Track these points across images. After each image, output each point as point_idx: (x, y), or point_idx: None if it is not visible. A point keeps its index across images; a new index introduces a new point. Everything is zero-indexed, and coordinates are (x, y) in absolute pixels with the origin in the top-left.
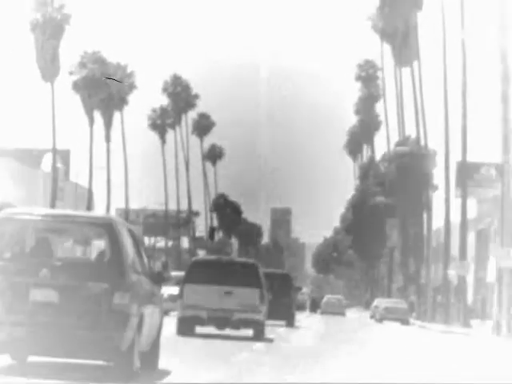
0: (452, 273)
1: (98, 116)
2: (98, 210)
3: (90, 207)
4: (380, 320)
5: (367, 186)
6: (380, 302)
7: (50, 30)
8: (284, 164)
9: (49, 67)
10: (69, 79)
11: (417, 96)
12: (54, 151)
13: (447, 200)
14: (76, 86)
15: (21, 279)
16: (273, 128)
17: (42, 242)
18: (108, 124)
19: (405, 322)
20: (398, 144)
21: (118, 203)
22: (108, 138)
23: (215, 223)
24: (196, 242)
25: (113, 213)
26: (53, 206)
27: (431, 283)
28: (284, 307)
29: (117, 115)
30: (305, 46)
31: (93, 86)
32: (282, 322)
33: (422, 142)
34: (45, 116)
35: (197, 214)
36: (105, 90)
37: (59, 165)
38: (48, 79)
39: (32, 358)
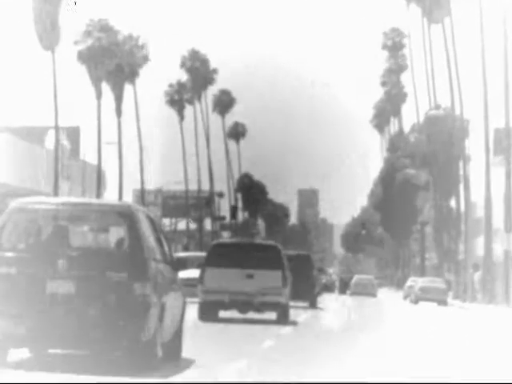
0: (497, 247)
1: (107, 89)
2: (110, 191)
3: (99, 187)
4: (415, 301)
5: (396, 159)
6: (415, 282)
7: None
8: (308, 142)
9: (49, 34)
10: (74, 49)
11: (449, 57)
12: (57, 127)
13: (487, 169)
14: (81, 57)
15: (36, 271)
16: (296, 106)
17: (58, 232)
18: (118, 97)
19: (442, 302)
20: (428, 114)
21: (131, 183)
22: (119, 113)
23: (240, 204)
24: (218, 222)
25: (128, 193)
26: (56, 186)
27: (471, 260)
28: (306, 288)
29: (128, 89)
30: (327, 19)
31: (100, 56)
32: (305, 304)
33: (455, 111)
34: (49, 91)
35: (221, 194)
36: (113, 60)
37: (64, 142)
38: (48, 47)
39: (51, 351)
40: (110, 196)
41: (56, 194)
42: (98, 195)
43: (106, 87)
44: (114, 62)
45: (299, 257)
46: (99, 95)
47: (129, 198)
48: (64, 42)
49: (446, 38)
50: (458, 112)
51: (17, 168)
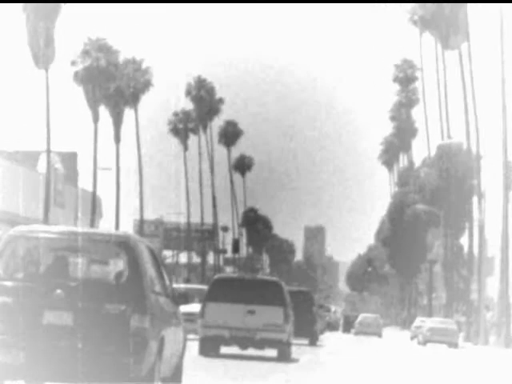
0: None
1: (106, 114)
2: (107, 219)
3: (94, 214)
4: (424, 342)
5: (406, 194)
6: (423, 322)
7: (43, 11)
8: (316, 178)
9: (43, 51)
10: (71, 70)
11: (466, 87)
12: (48, 150)
13: (505, 205)
14: (78, 78)
15: (34, 301)
16: (305, 141)
17: (57, 262)
18: (117, 122)
19: (453, 345)
20: (441, 147)
21: (129, 212)
22: (117, 138)
23: (244, 239)
24: (220, 255)
25: (126, 223)
26: (46, 211)
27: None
28: (306, 325)
29: (129, 114)
30: (338, 49)
31: (97, 78)
32: (305, 341)
33: (466, 146)
34: (43, 112)
35: (226, 229)
36: (112, 83)
37: (58, 166)
38: (42, 65)
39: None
40: (106, 224)
41: (46, 220)
42: (92, 223)
43: (105, 111)
44: (113, 85)
45: (299, 293)
46: (96, 119)
47: (126, 227)
48: (62, 62)
49: (462, 65)
50: (471, 145)
51: (5, 192)
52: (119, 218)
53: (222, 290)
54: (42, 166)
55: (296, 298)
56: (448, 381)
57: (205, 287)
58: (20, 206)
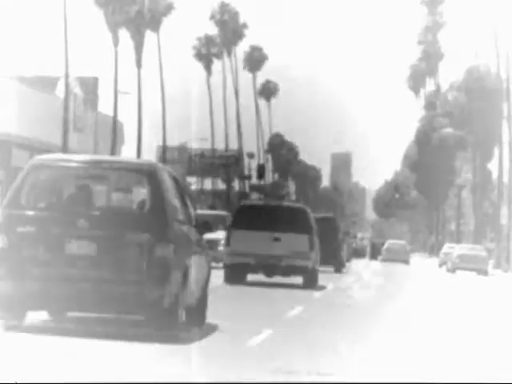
0: None
1: (127, 38)
2: (129, 146)
3: (115, 140)
4: (452, 269)
5: (433, 117)
6: (452, 248)
7: None
8: (342, 103)
9: None
10: None
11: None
12: (66, 74)
13: None
14: (99, 1)
15: (56, 230)
16: (331, 65)
17: (80, 191)
18: (139, 47)
19: (483, 272)
20: (468, 72)
21: (152, 139)
22: (139, 63)
23: (270, 165)
24: (245, 181)
25: (149, 149)
26: (65, 137)
27: None
28: (331, 252)
29: (151, 38)
30: None
31: (118, 0)
32: (330, 268)
33: (496, 68)
34: (70, 39)
35: (252, 155)
36: (133, 6)
37: (77, 90)
38: None
39: (71, 314)
40: (128, 151)
41: (65, 146)
42: (113, 149)
43: (126, 35)
44: (134, 8)
45: (324, 220)
46: (116, 43)
47: (150, 154)
48: None
49: None
50: (500, 68)
51: (24, 117)
52: (141, 144)
53: (247, 218)
54: (60, 90)
55: (321, 225)
56: (481, 309)
57: (227, 213)
58: (38, 131)
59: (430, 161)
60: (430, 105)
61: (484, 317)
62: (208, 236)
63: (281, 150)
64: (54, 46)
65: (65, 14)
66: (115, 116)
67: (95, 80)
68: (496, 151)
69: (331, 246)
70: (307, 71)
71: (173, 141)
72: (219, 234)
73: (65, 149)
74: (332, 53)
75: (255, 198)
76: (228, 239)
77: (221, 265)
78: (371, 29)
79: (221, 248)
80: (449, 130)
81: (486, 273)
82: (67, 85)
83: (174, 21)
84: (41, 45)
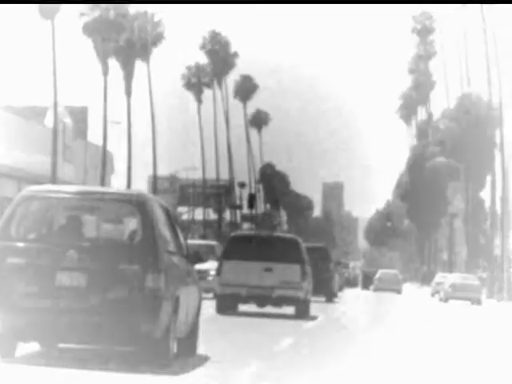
0: None
1: (116, 67)
2: (119, 176)
3: (104, 169)
4: (445, 299)
5: (425, 147)
6: (445, 278)
7: None
8: (334, 132)
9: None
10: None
11: (487, 37)
12: (55, 103)
13: None
14: (87, 30)
15: (46, 261)
16: (322, 96)
17: (70, 222)
18: (128, 76)
19: (476, 301)
20: (460, 100)
21: (142, 168)
22: (129, 92)
23: (262, 195)
24: (236, 211)
25: (139, 179)
26: (54, 167)
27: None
28: (323, 282)
29: (141, 68)
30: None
31: (107, 30)
32: (322, 299)
33: (487, 96)
34: (59, 69)
35: (243, 185)
36: (122, 35)
37: (67, 120)
38: (48, 16)
39: (62, 346)
40: (117, 180)
41: (54, 175)
42: (103, 179)
43: (115, 65)
44: (123, 37)
45: (316, 249)
46: (106, 72)
47: (140, 183)
48: (71, 15)
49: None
50: (492, 95)
51: (13, 147)
52: (131, 173)
53: (238, 248)
54: (49, 120)
55: (312, 255)
56: (474, 339)
57: (216, 243)
58: (27, 161)
59: (422, 190)
60: (421, 133)
61: (478, 347)
62: (198, 266)
63: (272, 180)
64: (43, 75)
65: (53, 43)
66: (105, 146)
67: (84, 109)
68: (488, 180)
69: (323, 276)
70: (298, 100)
71: (163, 170)
72: (209, 264)
73: (54, 179)
74: (323, 82)
75: (247, 228)
76: (219, 269)
77: (211, 295)
78: (363, 58)
79: (211, 278)
80: (441, 159)
81: (479, 302)
82: (56, 114)
83: (164, 50)
84: (30, 75)
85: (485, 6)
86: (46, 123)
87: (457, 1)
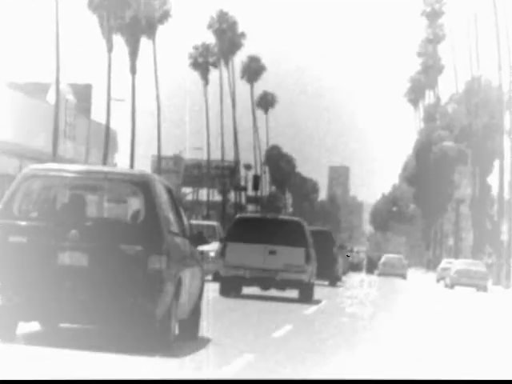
0: None
1: (121, 44)
2: (123, 155)
3: (107, 148)
4: (451, 285)
5: (433, 130)
6: (450, 264)
7: None
8: (341, 115)
9: None
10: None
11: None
12: (57, 79)
13: None
14: (92, 5)
15: (48, 240)
16: (330, 77)
17: (72, 201)
18: (133, 53)
19: (482, 288)
20: (469, 83)
21: (146, 146)
22: (133, 70)
23: (267, 177)
24: (240, 192)
25: (143, 159)
26: (54, 145)
27: None
28: (326, 266)
29: (145, 46)
30: None
31: (112, 5)
32: (325, 282)
33: (498, 81)
34: (63, 45)
35: (249, 167)
36: (127, 11)
37: (69, 97)
38: None
39: (63, 325)
40: (121, 159)
41: (55, 153)
42: (105, 157)
43: (120, 42)
44: (128, 14)
45: (319, 233)
46: (110, 48)
47: (144, 163)
48: None
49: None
50: (503, 81)
51: (14, 124)
52: (134, 152)
53: (243, 230)
54: (52, 97)
55: (316, 239)
56: (480, 326)
57: (217, 223)
58: (29, 138)
59: (429, 174)
60: (429, 117)
61: (484, 335)
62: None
63: (278, 162)
64: (47, 51)
65: (57, 19)
66: (108, 123)
67: (88, 87)
68: (496, 165)
69: (326, 260)
70: (306, 82)
71: (168, 150)
72: (210, 246)
73: (55, 156)
74: (332, 64)
75: (251, 210)
76: (223, 251)
77: (210, 277)
78: (371, 41)
79: (210, 259)
80: (449, 143)
81: (485, 289)
82: (58, 91)
83: (171, 28)
84: (33, 50)
85: None
86: (48, 100)
87: None
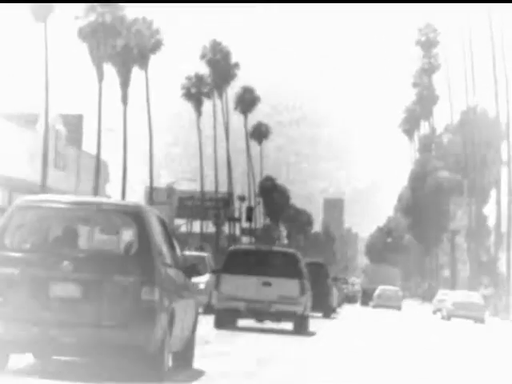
0: None
1: (113, 74)
2: (114, 185)
3: (98, 178)
4: (448, 317)
5: (428, 160)
6: (447, 295)
7: None
8: (336, 147)
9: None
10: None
11: (494, 49)
12: (47, 108)
13: None
14: (82, 34)
15: (40, 272)
16: (324, 110)
17: (65, 233)
18: (125, 83)
19: (479, 319)
20: (464, 114)
21: (138, 177)
22: (125, 100)
23: (261, 209)
24: (235, 224)
25: (135, 190)
26: (44, 175)
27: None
28: (320, 298)
29: (137, 76)
30: (359, 15)
31: (103, 34)
32: (319, 314)
33: (495, 111)
34: (54, 75)
35: (243, 198)
36: (118, 40)
37: (60, 127)
38: (40, 18)
39: (56, 357)
40: (113, 190)
41: (44, 183)
42: (97, 188)
43: (112, 71)
44: (119, 43)
45: (313, 265)
46: (101, 78)
47: (136, 194)
48: (65, 18)
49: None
50: (499, 110)
51: (2, 154)
52: (126, 183)
53: (237, 262)
54: (41, 127)
55: (309, 270)
56: (478, 358)
57: (207, 254)
58: (18, 169)
59: (424, 204)
60: (424, 148)
61: (483, 366)
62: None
63: (272, 194)
64: (37, 81)
65: (46, 47)
66: (99, 154)
67: (79, 117)
68: (492, 196)
69: (320, 292)
70: (299, 112)
71: (160, 181)
72: (199, 277)
73: (43, 186)
74: (325, 95)
75: (246, 241)
76: (218, 283)
77: (200, 310)
78: (366, 70)
79: (200, 291)
80: (444, 174)
81: (482, 321)
82: (47, 120)
83: (163, 58)
84: (23, 80)
85: (492, 17)
86: (38, 130)
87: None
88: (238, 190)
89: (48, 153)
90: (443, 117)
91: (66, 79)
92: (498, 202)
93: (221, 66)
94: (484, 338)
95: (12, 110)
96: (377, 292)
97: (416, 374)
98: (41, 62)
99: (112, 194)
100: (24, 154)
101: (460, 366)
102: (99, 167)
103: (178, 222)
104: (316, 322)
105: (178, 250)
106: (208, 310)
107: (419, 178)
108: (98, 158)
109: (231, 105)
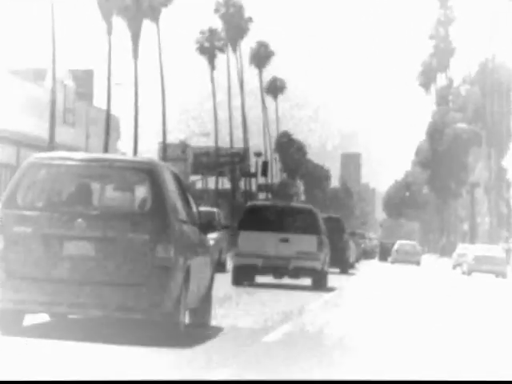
0: None
1: (123, 27)
2: (126, 141)
3: (108, 134)
4: (468, 272)
5: (446, 112)
6: (467, 249)
7: None
8: (353, 102)
9: None
10: None
11: None
12: (54, 63)
13: None
14: None
15: (53, 231)
16: (339, 63)
17: (78, 190)
18: (135, 37)
19: (501, 274)
20: (482, 65)
21: (151, 133)
22: (136, 54)
23: (278, 164)
24: (250, 180)
25: (148, 145)
26: (51, 131)
27: None
28: (336, 253)
29: (148, 29)
30: None
31: None
32: (336, 270)
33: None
34: (63, 30)
35: (259, 154)
36: None
37: (68, 82)
38: None
39: (72, 316)
40: (124, 147)
41: (52, 139)
42: (107, 144)
43: (122, 24)
44: None
45: (329, 220)
46: (110, 31)
47: (149, 151)
48: None
49: None
50: None
51: (12, 110)
52: (137, 140)
53: (255, 218)
54: (50, 81)
55: (326, 226)
56: (500, 314)
57: (217, 210)
58: (26, 124)
59: (443, 157)
60: (442, 100)
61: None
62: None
63: (289, 149)
64: (45, 37)
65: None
66: (108, 109)
67: (90, 72)
68: (511, 148)
69: (336, 247)
70: (316, 68)
71: (173, 137)
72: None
73: (52, 143)
74: (341, 49)
75: (262, 197)
76: (235, 240)
77: None
78: (381, 25)
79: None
80: (462, 125)
81: (504, 275)
82: (54, 75)
83: (175, 11)
84: (31, 36)
85: None
86: (46, 85)
87: None
88: (254, 145)
89: (56, 108)
90: (460, 70)
91: (76, 35)
92: None
93: (234, 20)
94: (507, 293)
95: (20, 64)
96: (395, 247)
97: (439, 334)
98: (48, 16)
99: (124, 150)
100: (32, 109)
101: (480, 319)
102: (109, 123)
103: (193, 178)
104: (334, 278)
105: (193, 207)
106: (218, 267)
107: (437, 131)
108: (107, 113)
109: (245, 59)
